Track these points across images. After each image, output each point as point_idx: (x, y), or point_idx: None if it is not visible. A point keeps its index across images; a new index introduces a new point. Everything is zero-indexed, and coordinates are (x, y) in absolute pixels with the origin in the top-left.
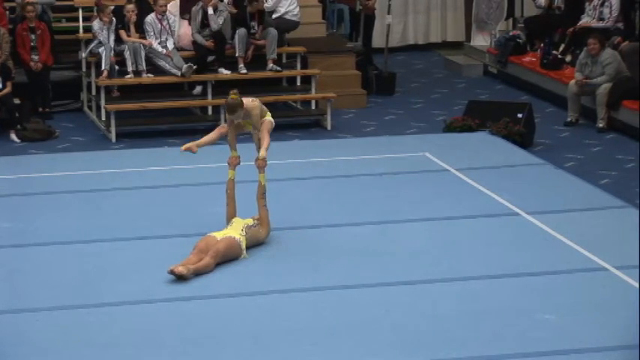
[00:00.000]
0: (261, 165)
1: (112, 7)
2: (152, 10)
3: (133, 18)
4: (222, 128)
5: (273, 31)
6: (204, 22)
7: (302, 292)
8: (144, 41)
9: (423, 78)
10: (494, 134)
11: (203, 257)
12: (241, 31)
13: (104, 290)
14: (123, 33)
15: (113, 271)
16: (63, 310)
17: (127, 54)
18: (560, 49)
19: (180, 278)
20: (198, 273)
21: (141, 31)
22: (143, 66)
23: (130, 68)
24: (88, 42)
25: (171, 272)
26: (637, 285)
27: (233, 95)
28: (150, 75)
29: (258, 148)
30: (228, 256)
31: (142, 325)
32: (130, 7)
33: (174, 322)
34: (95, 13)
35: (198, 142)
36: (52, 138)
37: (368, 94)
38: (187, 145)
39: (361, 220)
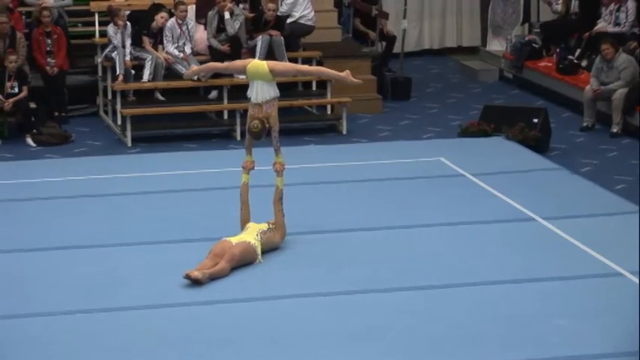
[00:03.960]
0: (279, 169)
1: (127, 12)
2: (171, 16)
3: (161, 22)
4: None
5: (277, 39)
6: (220, 27)
7: (317, 296)
8: (167, 58)
9: (439, 83)
10: (509, 139)
11: (218, 262)
12: (265, 38)
13: (119, 294)
14: (146, 40)
15: (128, 275)
16: (78, 314)
17: (147, 63)
18: (576, 54)
19: (195, 283)
20: (213, 277)
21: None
22: (160, 79)
23: (146, 77)
24: (104, 46)
25: (187, 277)
26: None
27: (254, 129)
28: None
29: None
30: (243, 261)
31: (156, 330)
32: (164, 14)
33: (189, 326)
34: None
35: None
36: (67, 142)
37: (383, 99)
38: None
39: (376, 225)
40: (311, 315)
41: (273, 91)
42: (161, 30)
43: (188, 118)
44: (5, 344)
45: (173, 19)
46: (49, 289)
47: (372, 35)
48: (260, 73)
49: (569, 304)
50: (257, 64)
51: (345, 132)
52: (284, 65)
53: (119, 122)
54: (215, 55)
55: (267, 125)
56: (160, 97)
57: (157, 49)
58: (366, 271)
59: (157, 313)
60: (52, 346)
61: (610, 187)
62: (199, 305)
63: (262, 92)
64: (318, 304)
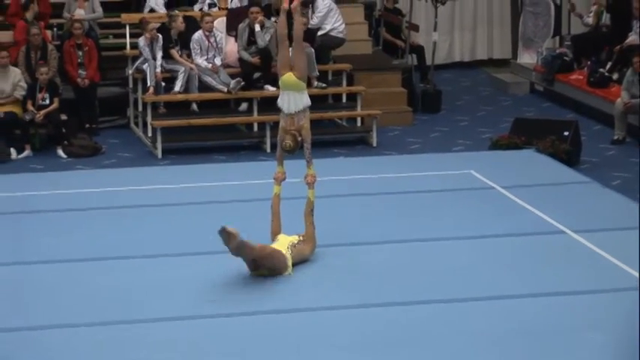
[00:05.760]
0: (310, 181)
1: (157, 25)
2: (199, 28)
3: (181, 27)
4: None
5: (308, 51)
6: (251, 39)
7: (345, 309)
8: (191, 66)
9: (469, 95)
10: (540, 152)
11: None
12: (308, 51)
13: (143, 306)
14: (175, 53)
15: (153, 287)
16: (100, 325)
17: (180, 75)
18: (607, 67)
19: (225, 237)
20: (240, 248)
21: (188, 48)
22: (195, 91)
23: (177, 88)
24: (134, 58)
25: (223, 229)
26: None
27: (287, 148)
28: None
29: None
30: (272, 265)
31: (180, 341)
32: (179, 19)
33: (214, 338)
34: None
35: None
36: (98, 154)
37: (414, 112)
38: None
39: (406, 238)
40: (338, 327)
41: (305, 100)
42: (180, 35)
43: (218, 130)
44: (25, 356)
45: (200, 32)
46: (72, 300)
47: (401, 44)
48: (291, 83)
49: (600, 318)
50: (288, 75)
51: (375, 144)
52: (299, 61)
53: (149, 134)
54: (246, 67)
55: (299, 140)
56: (196, 109)
57: (182, 56)
58: (396, 284)
59: (180, 325)
60: (74, 357)
61: None
62: (224, 317)
63: (295, 103)
64: (345, 317)
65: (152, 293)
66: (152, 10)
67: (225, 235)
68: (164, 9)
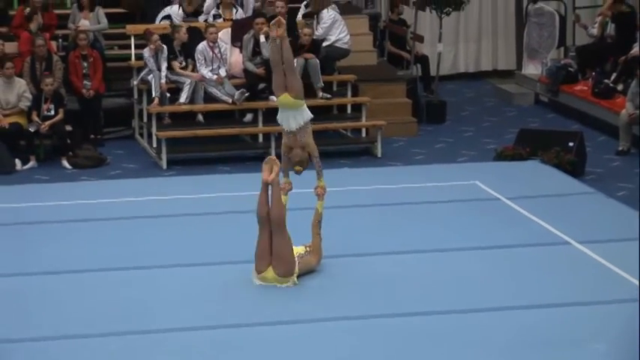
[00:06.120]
0: (320, 192)
1: (160, 35)
2: (203, 39)
3: (183, 38)
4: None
5: (313, 61)
6: (256, 50)
7: (350, 320)
8: (194, 76)
9: (474, 106)
10: (545, 163)
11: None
12: (300, 61)
13: (152, 317)
14: (176, 64)
15: (162, 298)
16: (112, 336)
17: (186, 87)
18: (612, 78)
19: (269, 166)
20: (274, 187)
21: (192, 59)
22: (200, 102)
23: (183, 99)
24: (139, 69)
25: (270, 157)
26: None
27: (299, 172)
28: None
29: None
30: (282, 256)
31: (189, 352)
32: (182, 30)
33: (221, 348)
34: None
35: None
36: (103, 165)
37: (418, 122)
38: None
39: (411, 249)
40: (343, 339)
41: (305, 115)
42: (183, 45)
43: (223, 141)
44: None
45: (204, 43)
46: (78, 311)
47: (406, 56)
48: (288, 104)
49: (606, 329)
50: (285, 96)
51: (379, 155)
52: (292, 82)
53: (154, 145)
54: (251, 77)
55: (307, 156)
56: (201, 120)
57: (185, 68)
58: (401, 295)
59: (188, 336)
60: None
61: None
62: (231, 328)
63: (295, 120)
64: (351, 328)
65: (158, 304)
66: (168, 18)
67: (270, 163)
68: (179, 19)
